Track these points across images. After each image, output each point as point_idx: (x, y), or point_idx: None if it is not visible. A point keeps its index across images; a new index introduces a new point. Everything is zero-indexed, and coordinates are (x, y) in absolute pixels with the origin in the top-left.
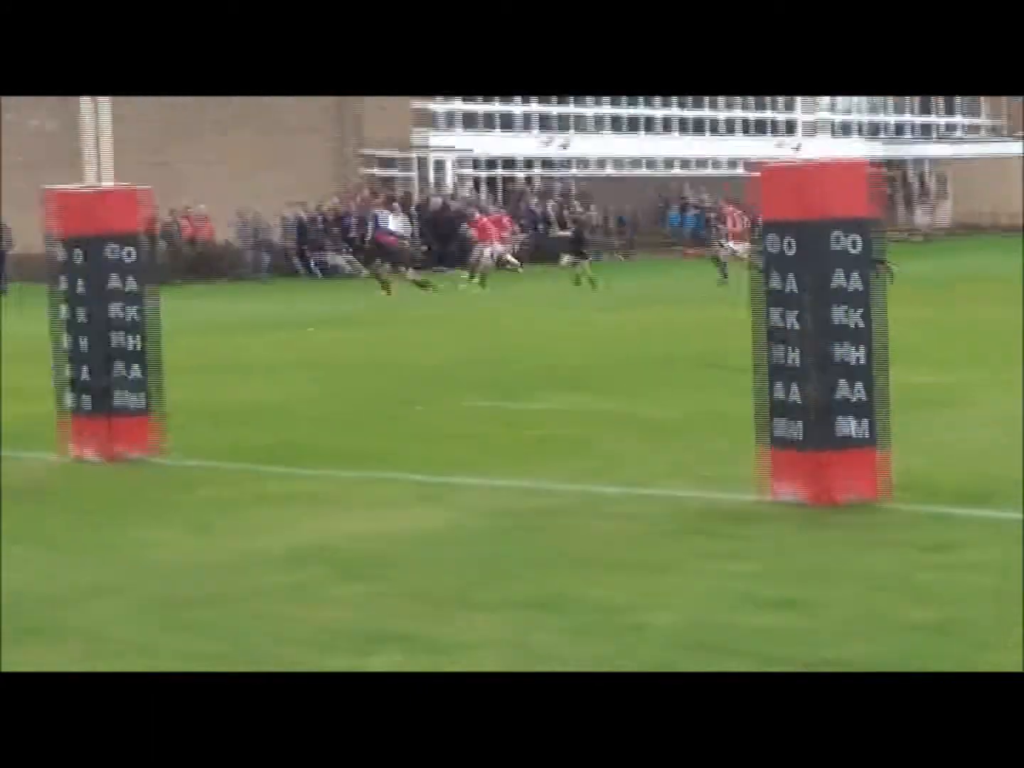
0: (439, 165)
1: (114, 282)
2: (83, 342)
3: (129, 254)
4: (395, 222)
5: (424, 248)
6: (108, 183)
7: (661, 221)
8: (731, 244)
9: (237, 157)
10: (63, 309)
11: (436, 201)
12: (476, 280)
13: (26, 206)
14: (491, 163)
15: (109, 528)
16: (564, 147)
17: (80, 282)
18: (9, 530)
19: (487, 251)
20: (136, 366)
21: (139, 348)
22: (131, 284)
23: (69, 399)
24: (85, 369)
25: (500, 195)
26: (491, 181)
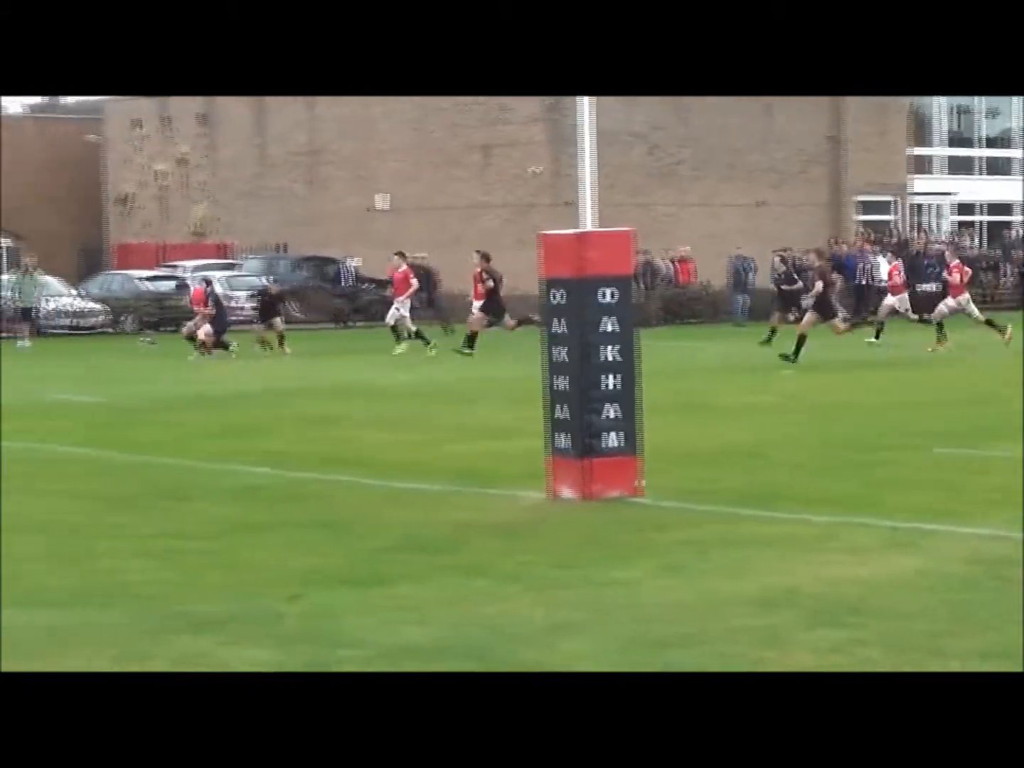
0: (929, 209)
1: (596, 323)
2: (563, 382)
3: (612, 295)
4: (886, 266)
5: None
6: (593, 226)
7: None
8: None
9: (717, 200)
10: (550, 349)
11: (916, 246)
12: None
13: (511, 247)
14: (983, 208)
15: (581, 566)
16: None
17: (562, 322)
18: (481, 564)
19: (887, 301)
20: (616, 406)
21: (619, 389)
22: (613, 325)
23: (553, 438)
24: (565, 408)
25: (982, 240)
26: (970, 226)
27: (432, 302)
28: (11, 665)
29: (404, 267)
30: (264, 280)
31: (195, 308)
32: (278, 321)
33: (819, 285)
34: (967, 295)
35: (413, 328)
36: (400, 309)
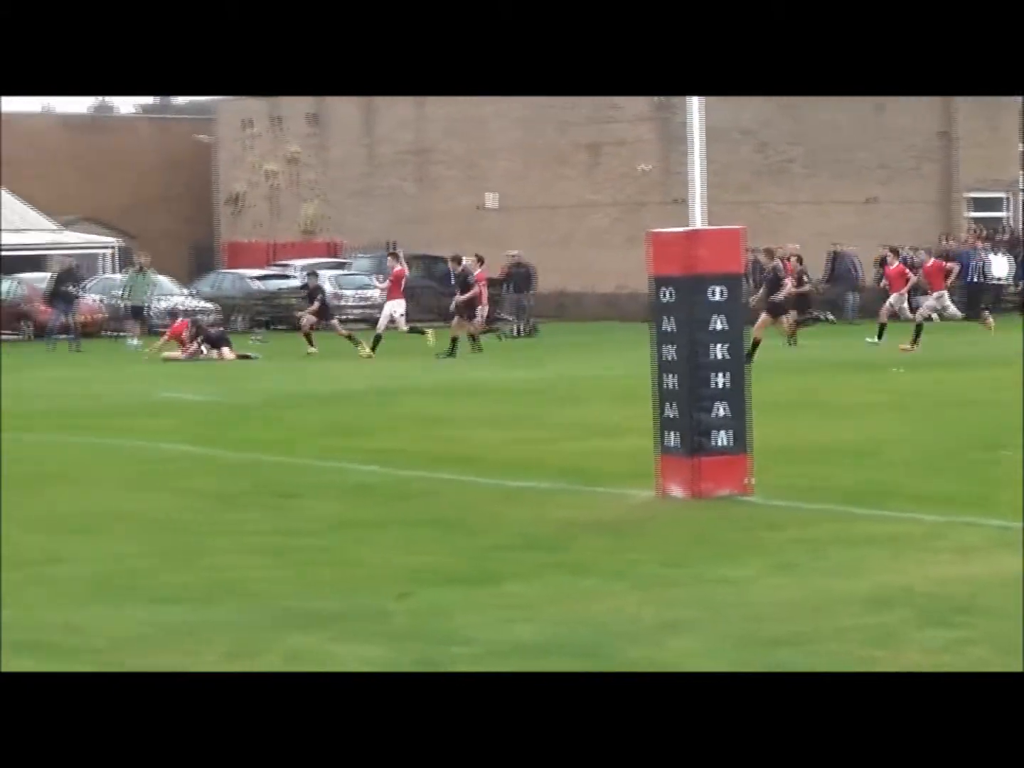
0: None
1: (706, 321)
2: (673, 380)
3: (722, 293)
4: (999, 264)
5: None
6: (703, 224)
7: None
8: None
9: (827, 197)
10: (659, 348)
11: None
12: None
13: (620, 245)
14: None
15: (691, 564)
16: None
17: (672, 321)
18: (590, 563)
19: (888, 301)
20: (726, 405)
21: (729, 387)
22: (722, 323)
23: (662, 437)
24: (675, 407)
25: None
26: None
27: (519, 302)
28: (124, 662)
29: (399, 267)
30: (305, 277)
31: (171, 338)
32: (326, 321)
33: (789, 283)
34: (943, 292)
35: (382, 332)
36: (396, 311)
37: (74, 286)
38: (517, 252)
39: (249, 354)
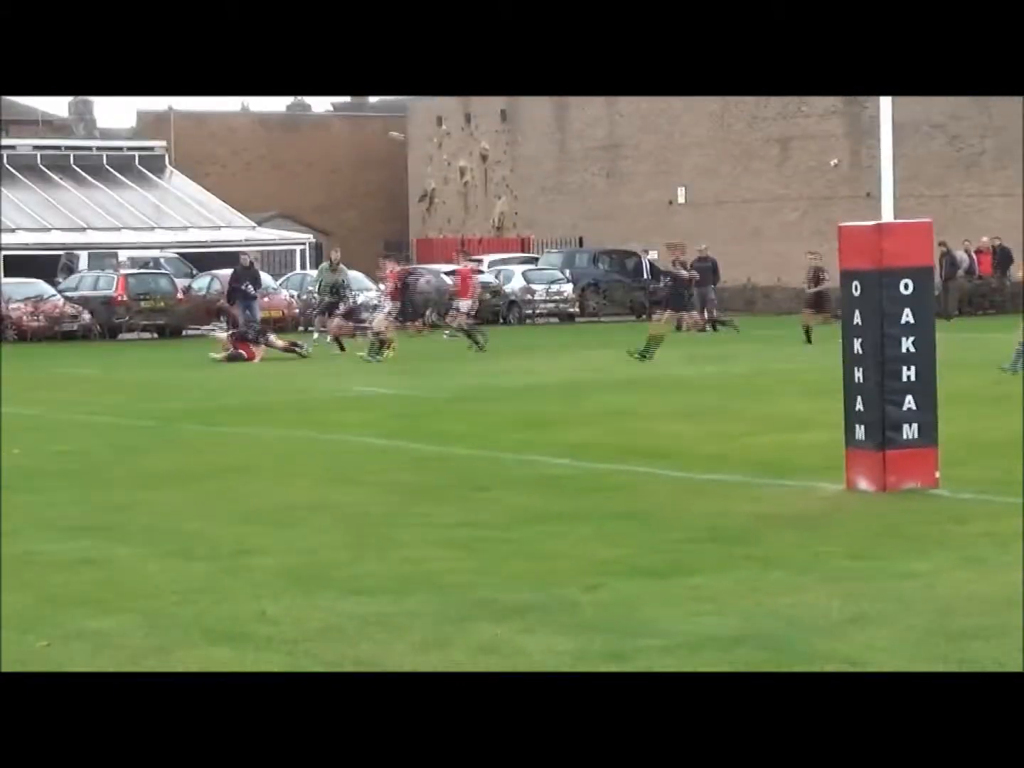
0: None
1: (895, 315)
2: (860, 373)
3: (907, 287)
4: None
5: None
6: (892, 217)
7: None
8: None
9: (1018, 190)
10: (848, 341)
11: None
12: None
13: (809, 239)
14: None
15: (879, 558)
16: None
17: (859, 314)
18: (778, 556)
19: None
20: (912, 397)
21: (918, 380)
22: (911, 316)
23: (851, 430)
24: (861, 400)
25: None
26: None
27: (704, 295)
28: (316, 652)
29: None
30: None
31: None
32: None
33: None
34: None
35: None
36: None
37: (249, 284)
38: (690, 248)
39: (297, 346)
